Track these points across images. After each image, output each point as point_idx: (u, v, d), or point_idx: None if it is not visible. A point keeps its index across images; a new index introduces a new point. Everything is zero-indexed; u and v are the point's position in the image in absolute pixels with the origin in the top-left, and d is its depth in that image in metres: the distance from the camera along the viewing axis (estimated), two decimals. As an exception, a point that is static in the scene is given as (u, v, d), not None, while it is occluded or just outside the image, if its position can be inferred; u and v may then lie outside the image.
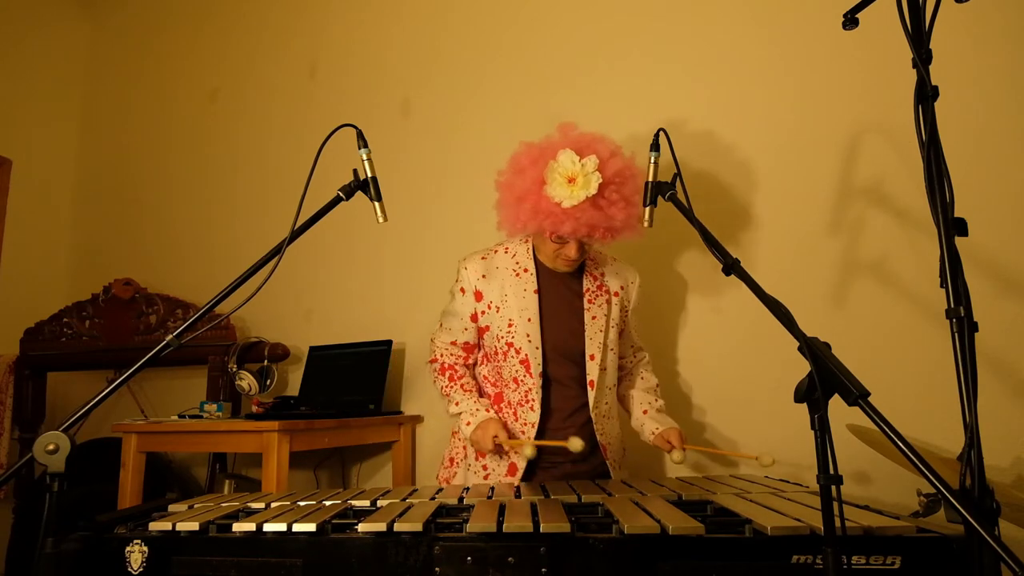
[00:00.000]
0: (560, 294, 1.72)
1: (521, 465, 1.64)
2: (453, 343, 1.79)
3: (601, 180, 1.49)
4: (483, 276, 1.71)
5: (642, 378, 1.85)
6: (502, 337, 1.68)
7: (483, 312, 1.71)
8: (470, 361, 1.81)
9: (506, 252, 1.75)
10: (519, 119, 2.47)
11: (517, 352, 1.66)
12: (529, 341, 1.65)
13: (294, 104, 3.06)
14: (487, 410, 1.68)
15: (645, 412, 1.78)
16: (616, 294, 1.74)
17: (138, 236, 3.40)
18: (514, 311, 1.67)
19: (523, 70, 2.53)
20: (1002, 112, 1.77)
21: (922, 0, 1.00)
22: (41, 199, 3.55)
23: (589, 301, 1.71)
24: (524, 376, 1.66)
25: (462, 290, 1.73)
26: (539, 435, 1.65)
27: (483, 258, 1.74)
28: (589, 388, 1.67)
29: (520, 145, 1.63)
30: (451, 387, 1.76)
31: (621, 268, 1.79)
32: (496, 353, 1.71)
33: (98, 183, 3.64)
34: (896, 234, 1.86)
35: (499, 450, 1.66)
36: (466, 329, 1.76)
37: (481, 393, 1.78)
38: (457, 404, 1.71)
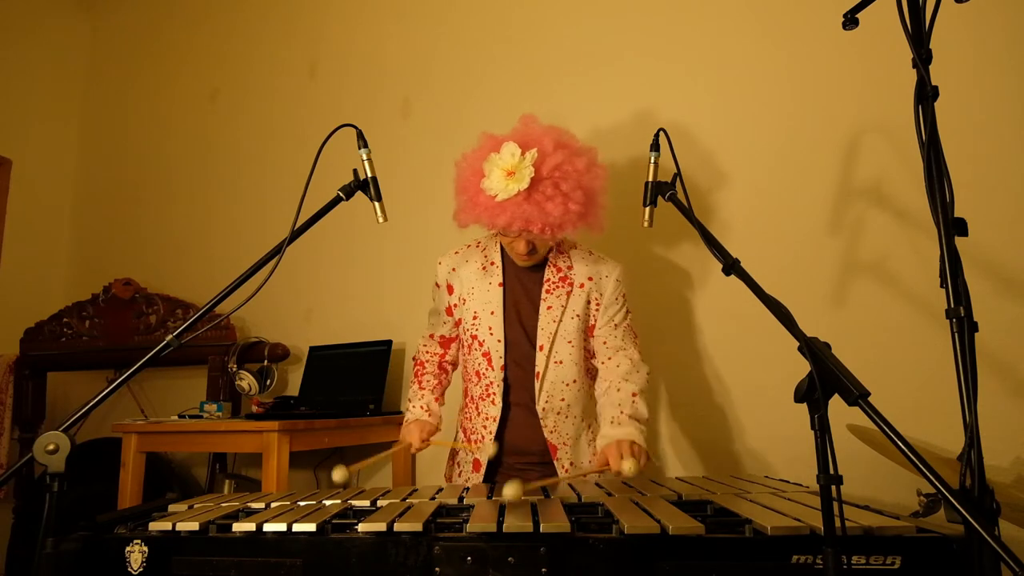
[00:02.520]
0: (526, 287, 1.71)
1: (483, 460, 1.67)
2: (431, 336, 1.85)
3: (534, 175, 1.46)
4: (453, 270, 1.75)
5: (618, 389, 1.60)
6: (467, 330, 1.71)
7: (455, 305, 1.75)
8: (447, 357, 1.85)
9: (478, 247, 1.78)
10: (518, 119, 2.46)
11: (480, 345, 1.67)
12: (491, 334, 1.66)
13: (294, 104, 3.07)
14: (422, 408, 1.76)
15: (604, 427, 1.58)
16: (582, 285, 1.68)
17: (138, 236, 3.40)
18: (479, 304, 1.69)
19: (522, 70, 2.53)
20: (1002, 112, 1.77)
21: (922, 0, 1.00)
22: (41, 199, 3.55)
23: (547, 292, 1.67)
24: (486, 369, 1.66)
25: (437, 285, 1.79)
26: (500, 430, 1.66)
27: (456, 253, 1.78)
28: (535, 380, 1.63)
29: (480, 135, 1.62)
30: (412, 383, 1.84)
31: (597, 261, 1.72)
32: (464, 346, 1.75)
33: (98, 183, 3.64)
34: (896, 234, 1.86)
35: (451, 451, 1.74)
36: (444, 323, 1.80)
37: (441, 391, 1.84)
38: (409, 399, 1.81)
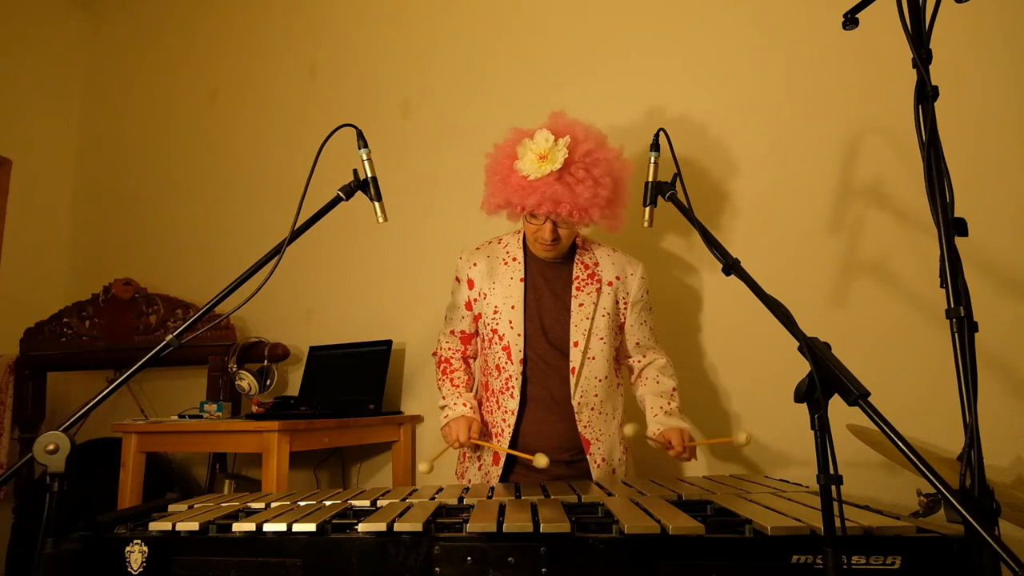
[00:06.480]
0: (550, 284, 1.73)
1: (503, 452, 1.67)
2: (452, 332, 1.85)
3: (567, 156, 1.54)
4: (475, 264, 1.77)
5: (657, 382, 1.77)
6: (488, 324, 1.73)
7: (475, 300, 1.76)
8: (468, 352, 1.85)
9: (499, 243, 1.81)
10: (519, 119, 2.45)
11: (500, 339, 1.69)
12: (511, 328, 1.68)
13: (294, 104, 3.07)
14: (465, 405, 1.72)
15: (655, 416, 1.71)
16: (610, 283, 1.73)
17: (138, 236, 3.40)
18: (499, 298, 1.71)
19: (523, 70, 2.53)
20: (1002, 112, 1.77)
21: (922, 0, 1.00)
22: (41, 199, 3.55)
23: (578, 288, 1.71)
24: (506, 363, 1.68)
25: (457, 279, 1.80)
26: (518, 423, 1.67)
27: (477, 248, 1.81)
28: (571, 375, 1.66)
29: (510, 129, 1.69)
30: (442, 381, 1.82)
31: (621, 259, 1.77)
32: (484, 340, 1.76)
33: (98, 183, 3.64)
34: (896, 234, 1.86)
35: (474, 447, 1.72)
36: (463, 318, 1.81)
37: (471, 388, 1.82)
38: (444, 398, 1.78)
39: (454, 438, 1.65)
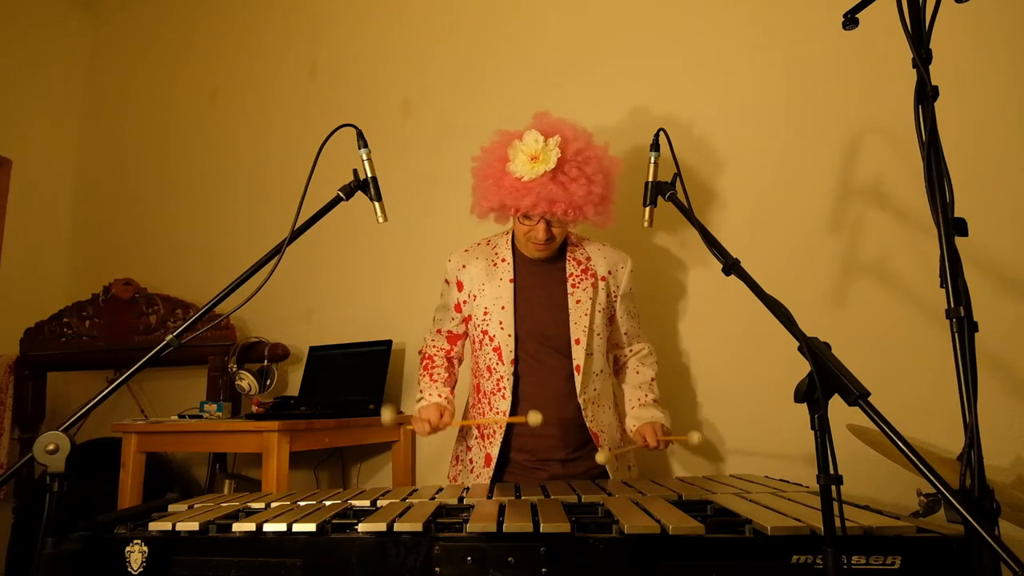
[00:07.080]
0: (541, 283, 1.73)
1: (494, 453, 1.66)
2: (439, 331, 1.86)
3: (560, 155, 1.54)
4: (464, 266, 1.77)
5: (637, 372, 1.82)
6: (478, 325, 1.73)
7: (464, 301, 1.77)
8: (452, 353, 1.86)
9: (488, 244, 1.81)
10: (519, 119, 2.45)
11: (491, 340, 1.69)
12: (502, 328, 1.68)
13: (294, 104, 3.07)
14: (440, 396, 1.73)
15: (632, 408, 1.77)
16: (603, 278, 1.73)
17: (138, 236, 3.40)
18: (489, 299, 1.71)
19: (522, 70, 2.53)
20: (1002, 112, 1.77)
21: (922, 0, 1.00)
22: (41, 199, 3.55)
23: (573, 285, 1.71)
24: (497, 364, 1.68)
25: (446, 281, 1.81)
26: (510, 424, 1.66)
27: (466, 250, 1.81)
28: (576, 374, 1.66)
29: (495, 131, 1.69)
30: (422, 376, 1.82)
31: (611, 252, 1.78)
32: (475, 342, 1.76)
33: (98, 183, 3.64)
34: (896, 234, 1.86)
35: (461, 438, 1.75)
36: (452, 319, 1.82)
37: (452, 386, 1.82)
38: (420, 392, 1.78)
39: (423, 421, 1.63)
